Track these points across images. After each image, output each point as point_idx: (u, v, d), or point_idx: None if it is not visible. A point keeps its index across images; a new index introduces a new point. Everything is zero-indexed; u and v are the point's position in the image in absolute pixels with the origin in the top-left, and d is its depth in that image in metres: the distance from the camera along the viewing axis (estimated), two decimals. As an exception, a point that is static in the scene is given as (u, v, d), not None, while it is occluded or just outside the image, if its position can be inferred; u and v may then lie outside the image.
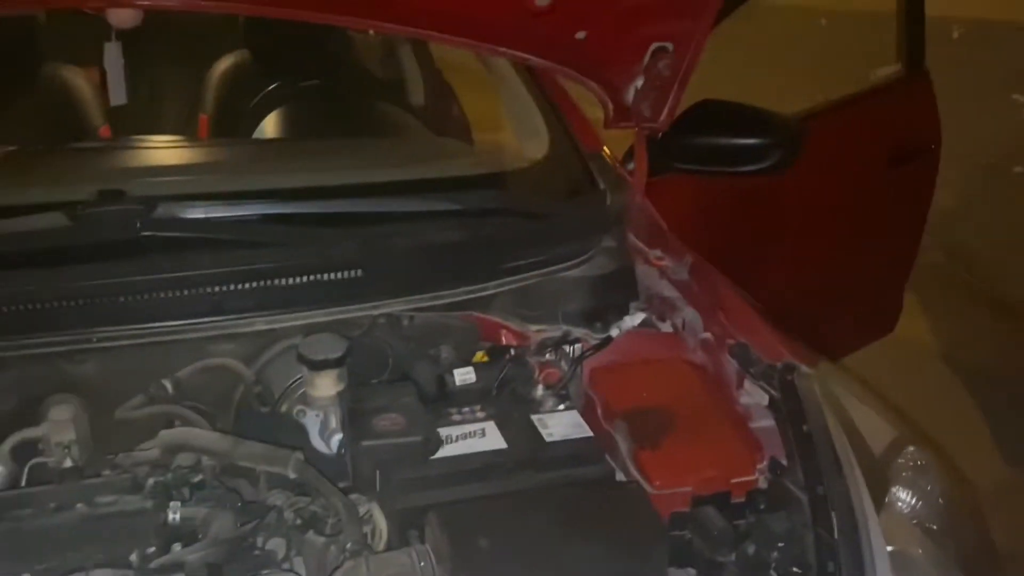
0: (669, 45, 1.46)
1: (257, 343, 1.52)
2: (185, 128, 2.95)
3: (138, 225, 1.30)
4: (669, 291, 1.55)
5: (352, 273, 1.33)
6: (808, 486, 1.09)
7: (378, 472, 1.15)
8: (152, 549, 1.08)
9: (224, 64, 2.85)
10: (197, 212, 1.33)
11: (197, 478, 1.22)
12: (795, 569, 1.03)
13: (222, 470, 1.25)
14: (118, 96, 2.21)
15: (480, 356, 1.43)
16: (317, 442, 1.38)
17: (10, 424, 1.42)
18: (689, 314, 1.49)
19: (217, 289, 1.27)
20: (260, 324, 1.28)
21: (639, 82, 1.52)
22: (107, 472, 1.24)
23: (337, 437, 1.35)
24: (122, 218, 1.31)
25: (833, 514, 1.04)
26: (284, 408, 1.51)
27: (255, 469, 1.26)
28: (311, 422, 1.45)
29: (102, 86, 2.83)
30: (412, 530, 1.08)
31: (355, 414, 1.21)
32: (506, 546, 1.01)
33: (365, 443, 1.15)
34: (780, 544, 1.05)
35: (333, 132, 2.23)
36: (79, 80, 2.80)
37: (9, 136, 2.65)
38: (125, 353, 1.35)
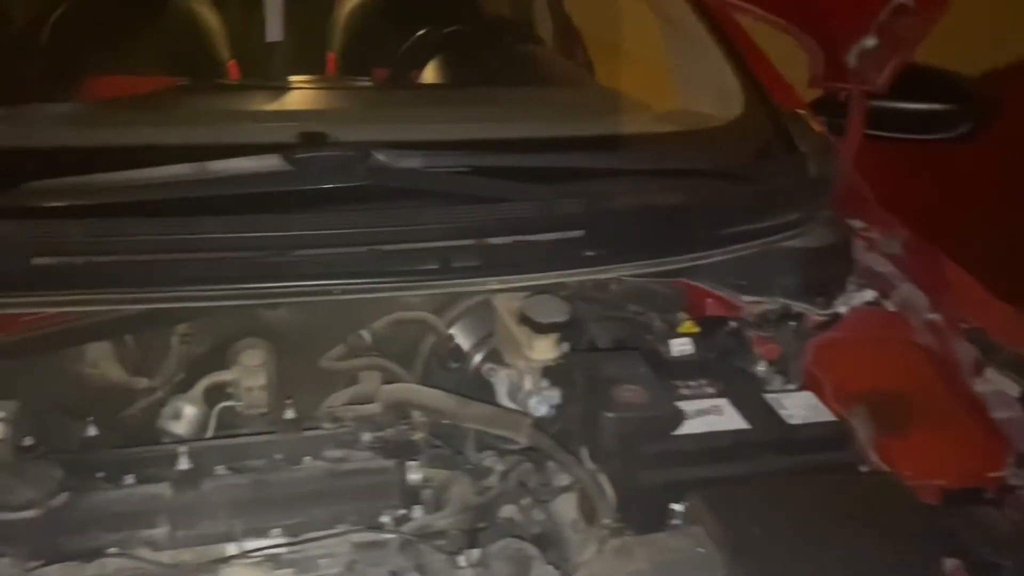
0: (911, 2, 1.36)
1: (444, 298, 1.48)
2: (312, 66, 2.90)
3: (361, 173, 1.25)
4: (882, 266, 1.47)
5: (573, 233, 1.26)
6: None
7: (620, 444, 1.10)
8: (402, 511, 1.05)
9: (353, 1, 2.79)
10: (415, 162, 1.27)
11: (417, 436, 1.20)
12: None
13: (430, 429, 1.22)
14: (275, 32, 2.17)
15: (688, 326, 1.37)
16: (504, 402, 1.35)
17: (201, 367, 1.41)
18: (909, 292, 1.41)
19: (441, 244, 1.22)
20: (493, 284, 1.22)
21: (869, 41, 1.42)
22: (327, 425, 1.21)
23: (534, 399, 1.31)
24: (343, 165, 1.25)
25: None
26: (472, 365, 1.48)
27: (466, 429, 1.23)
28: (500, 381, 1.41)
29: (225, 20, 2.80)
30: (673, 507, 1.03)
31: (592, 382, 1.16)
32: (780, 533, 0.96)
33: (609, 414, 1.10)
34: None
35: (493, 80, 2.14)
36: (206, 13, 2.76)
37: (138, 68, 2.63)
38: (318, 301, 1.32)
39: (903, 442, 1.15)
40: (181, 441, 1.14)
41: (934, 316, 1.35)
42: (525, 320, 1.24)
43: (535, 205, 1.25)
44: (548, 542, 1.12)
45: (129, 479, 1.08)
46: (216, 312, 1.40)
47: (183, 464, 1.04)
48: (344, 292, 1.15)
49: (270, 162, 1.25)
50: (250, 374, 1.37)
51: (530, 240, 1.24)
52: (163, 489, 1.04)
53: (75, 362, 1.36)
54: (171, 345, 1.42)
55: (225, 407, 1.31)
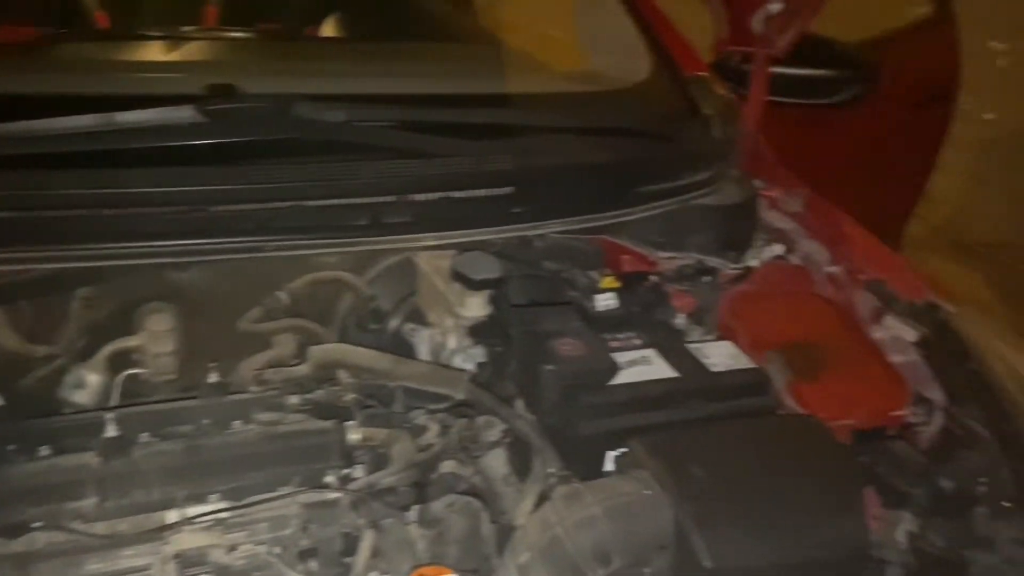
0: (815, -30, 1.43)
1: (361, 257, 1.45)
2: (190, 19, 2.74)
3: (281, 125, 1.20)
4: (784, 223, 1.54)
5: (504, 190, 1.26)
6: (992, 424, 1.11)
7: (560, 396, 1.12)
8: (346, 471, 1.03)
9: None
10: (338, 115, 1.23)
11: (348, 396, 1.17)
12: (1005, 504, 1.06)
13: (359, 389, 1.20)
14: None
15: (608, 281, 1.40)
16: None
17: (105, 333, 1.33)
18: (810, 247, 1.49)
19: (371, 200, 1.19)
20: (428, 240, 1.21)
21: (774, 6, 1.48)
22: (254, 388, 1.17)
23: (459, 358, 1.31)
24: (261, 117, 1.20)
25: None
26: (392, 326, 1.46)
27: (389, 387, 1.21)
28: (422, 341, 1.40)
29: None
30: (615, 455, 1.06)
31: (529, 337, 1.17)
32: (719, 473, 1.00)
33: (549, 367, 1.12)
34: (981, 479, 1.08)
35: (395, 35, 2.09)
36: None
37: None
38: (230, 262, 1.27)
39: (815, 386, 1.23)
40: (103, 409, 1.07)
41: (834, 269, 1.44)
42: (457, 277, 1.23)
43: (466, 161, 1.24)
44: (480, 497, 1.13)
45: (44, 450, 1.01)
46: (121, 274, 1.32)
47: (111, 432, 0.98)
48: (277, 249, 1.11)
49: (183, 114, 1.18)
50: (157, 340, 1.31)
51: (462, 197, 1.23)
52: (88, 459, 0.98)
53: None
54: (71, 310, 1.33)
55: (130, 375, 1.25)
